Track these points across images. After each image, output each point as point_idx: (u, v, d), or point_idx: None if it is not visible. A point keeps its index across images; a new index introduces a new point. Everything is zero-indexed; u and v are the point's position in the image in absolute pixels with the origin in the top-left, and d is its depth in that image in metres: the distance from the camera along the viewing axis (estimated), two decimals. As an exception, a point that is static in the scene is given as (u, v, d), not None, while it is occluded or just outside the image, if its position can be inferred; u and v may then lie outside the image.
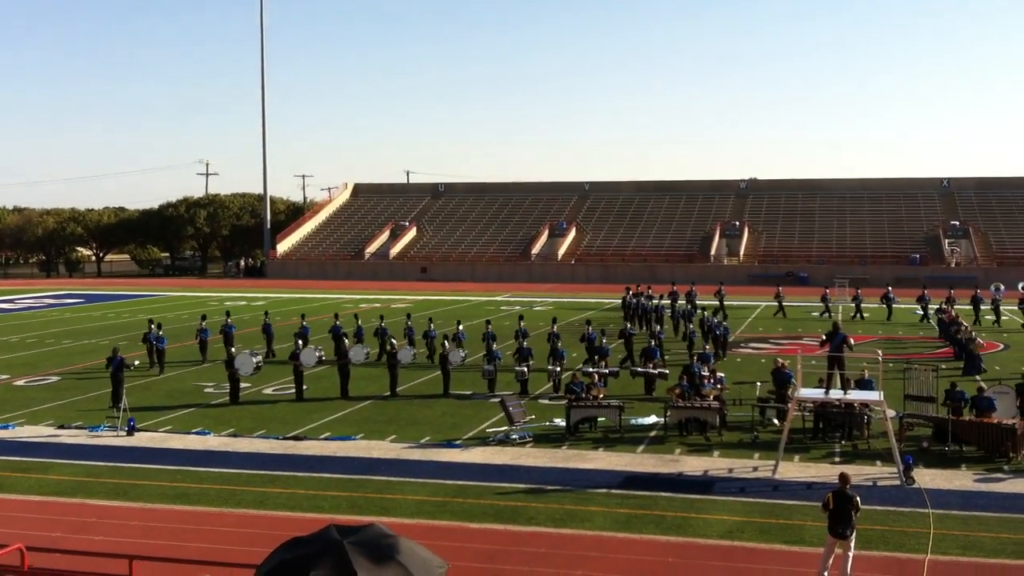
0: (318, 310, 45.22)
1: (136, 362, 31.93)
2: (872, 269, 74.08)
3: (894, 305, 49.02)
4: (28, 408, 27.23)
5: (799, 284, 70.70)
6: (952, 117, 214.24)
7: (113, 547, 14.69)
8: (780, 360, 25.91)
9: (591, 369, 27.67)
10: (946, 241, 79.39)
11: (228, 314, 38.96)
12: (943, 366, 30.10)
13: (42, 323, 50.27)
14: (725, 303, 47.16)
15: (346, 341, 31.12)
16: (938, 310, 43.32)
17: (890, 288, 49.93)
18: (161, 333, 34.14)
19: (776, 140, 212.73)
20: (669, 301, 45.81)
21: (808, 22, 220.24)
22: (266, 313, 39.71)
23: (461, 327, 34.22)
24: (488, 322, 34.74)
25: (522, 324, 34.75)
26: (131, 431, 23.82)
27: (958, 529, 16.43)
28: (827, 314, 47.82)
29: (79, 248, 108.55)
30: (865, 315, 48.45)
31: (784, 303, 51.08)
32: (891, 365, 28.62)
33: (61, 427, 24.86)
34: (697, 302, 46.28)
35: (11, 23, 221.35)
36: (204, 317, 38.97)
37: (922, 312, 47.06)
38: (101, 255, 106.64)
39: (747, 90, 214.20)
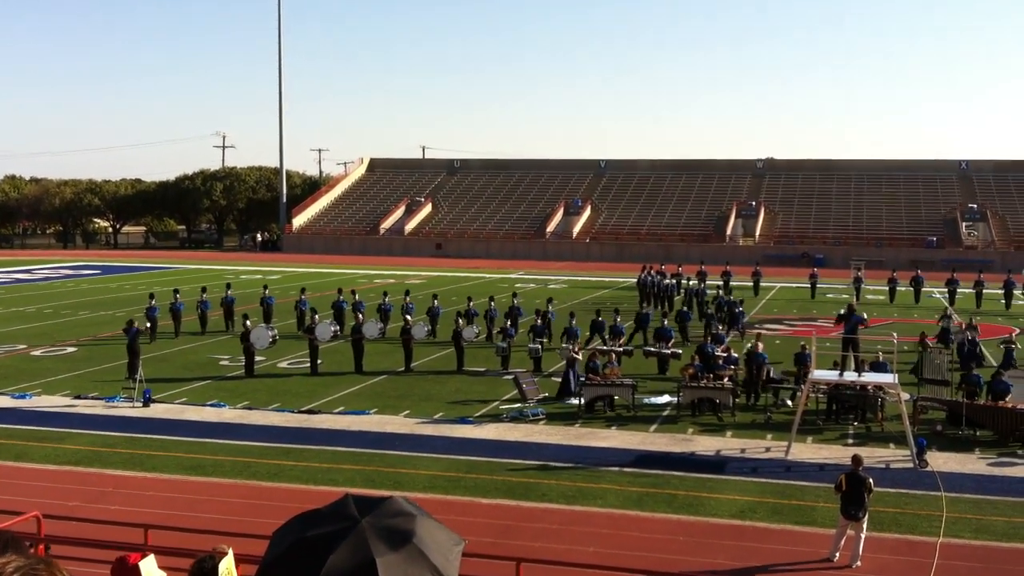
0: (332, 285, 45.33)
1: (148, 324, 32.54)
2: (888, 251, 73.51)
3: (922, 289, 47.72)
4: (45, 378, 27.42)
5: (816, 265, 69.88)
6: (971, 98, 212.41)
7: (128, 516, 14.78)
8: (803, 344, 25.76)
9: (606, 348, 27.68)
10: (963, 224, 78.83)
11: (229, 286, 39.35)
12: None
13: (59, 294, 50.51)
14: (731, 283, 46.82)
15: (360, 316, 31.20)
16: (944, 317, 35.70)
17: (919, 271, 48.72)
18: (179, 298, 36.16)
19: (794, 120, 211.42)
20: (697, 281, 45.11)
21: None
22: (265, 287, 40.13)
23: (472, 304, 34.49)
24: (491, 299, 36.02)
25: (517, 300, 35.21)
26: (147, 402, 23.99)
27: (970, 512, 16.43)
28: (855, 297, 46.66)
29: (96, 219, 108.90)
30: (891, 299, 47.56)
31: (817, 284, 50.34)
32: (906, 348, 28.52)
33: (77, 397, 25.06)
34: (708, 282, 46.00)
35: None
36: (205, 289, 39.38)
37: (948, 295, 46.34)
38: (118, 227, 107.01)
39: (766, 68, 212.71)
